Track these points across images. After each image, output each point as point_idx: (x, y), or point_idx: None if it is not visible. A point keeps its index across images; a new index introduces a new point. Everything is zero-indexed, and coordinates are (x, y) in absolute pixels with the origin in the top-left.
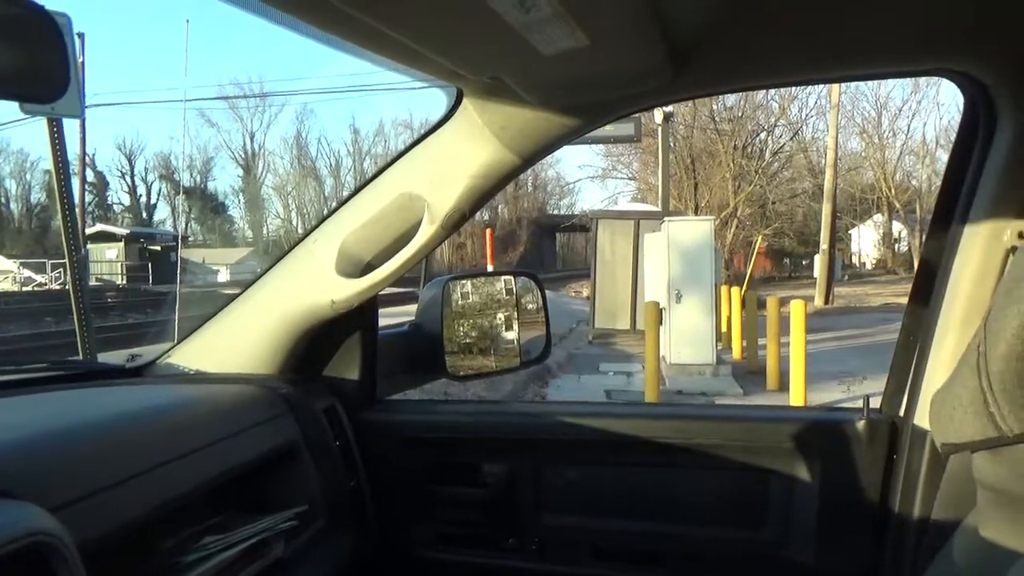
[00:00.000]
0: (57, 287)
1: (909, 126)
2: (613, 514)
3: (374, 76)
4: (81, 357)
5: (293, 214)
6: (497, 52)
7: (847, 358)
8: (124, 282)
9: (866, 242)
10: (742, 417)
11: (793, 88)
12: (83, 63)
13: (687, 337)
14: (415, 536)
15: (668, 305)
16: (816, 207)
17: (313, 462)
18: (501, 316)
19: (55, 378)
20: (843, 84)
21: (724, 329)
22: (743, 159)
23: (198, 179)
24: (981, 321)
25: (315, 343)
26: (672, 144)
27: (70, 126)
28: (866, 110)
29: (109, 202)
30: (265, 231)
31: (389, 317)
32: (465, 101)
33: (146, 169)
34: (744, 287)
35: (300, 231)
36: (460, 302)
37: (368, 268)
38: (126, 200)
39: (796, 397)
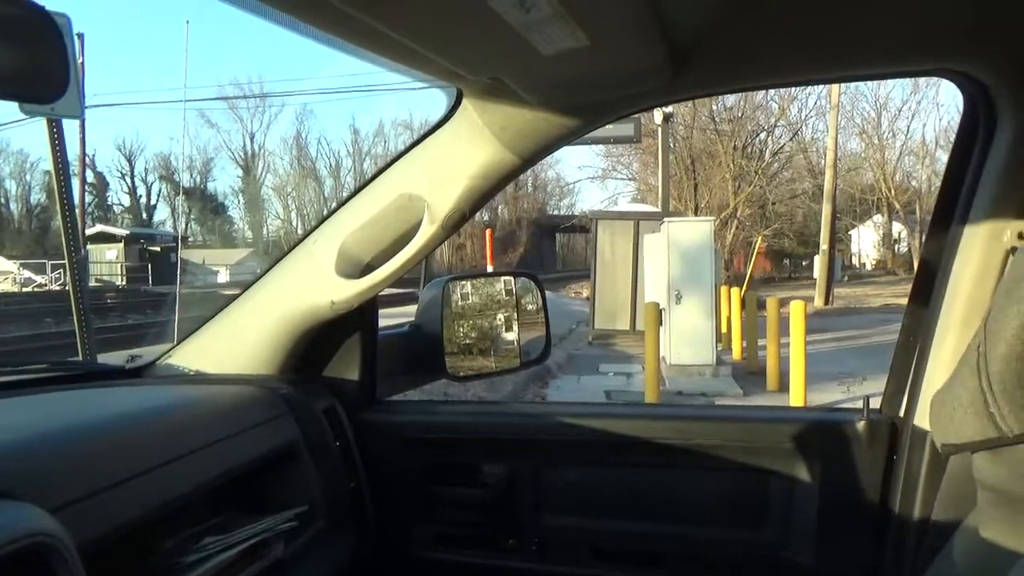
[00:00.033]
0: (57, 288)
1: (909, 127)
2: (613, 515)
3: (374, 76)
4: (81, 358)
5: (293, 215)
6: (497, 52)
7: (847, 359)
8: (124, 283)
9: (866, 243)
10: (742, 418)
11: (793, 88)
12: (83, 63)
13: (687, 338)
14: (415, 536)
15: (668, 306)
16: (816, 208)
17: (313, 463)
18: (501, 317)
19: (55, 379)
20: (843, 84)
21: (724, 330)
22: (743, 160)
23: (198, 180)
24: (981, 321)
25: (315, 344)
26: (672, 145)
27: (70, 127)
28: (866, 111)
29: (109, 203)
30: (265, 232)
31: (389, 318)
32: (465, 101)
33: (146, 170)
34: (744, 288)
35: (300, 232)
36: (460, 303)
37: (368, 269)
38: (126, 201)
39: (796, 398)
